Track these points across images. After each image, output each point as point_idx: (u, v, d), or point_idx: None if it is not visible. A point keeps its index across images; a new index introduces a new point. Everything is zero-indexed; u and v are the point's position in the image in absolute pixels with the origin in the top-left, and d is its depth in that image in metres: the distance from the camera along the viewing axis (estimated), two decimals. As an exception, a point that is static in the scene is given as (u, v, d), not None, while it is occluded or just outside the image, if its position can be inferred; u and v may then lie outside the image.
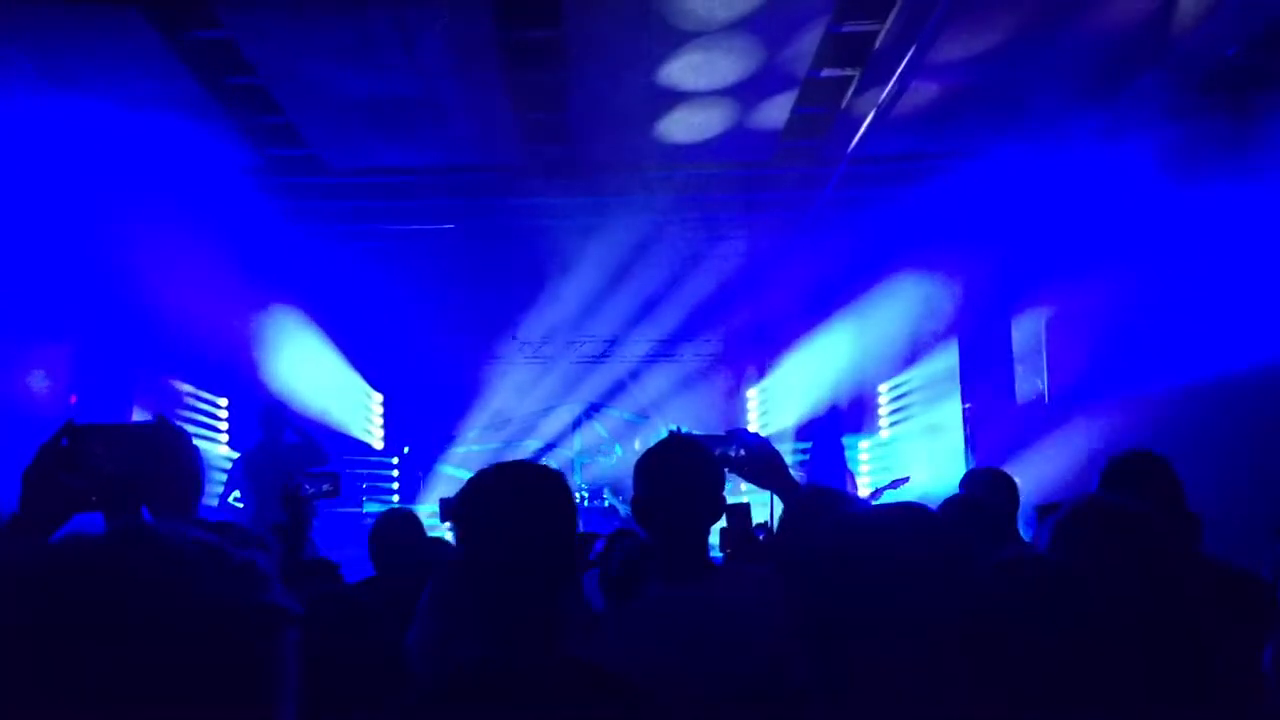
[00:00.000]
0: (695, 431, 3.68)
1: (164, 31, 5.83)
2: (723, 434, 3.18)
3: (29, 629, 0.79)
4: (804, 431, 10.75)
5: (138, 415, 7.96)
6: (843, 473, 9.59)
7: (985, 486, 4.70)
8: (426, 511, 5.93)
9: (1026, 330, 8.66)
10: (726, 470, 3.04)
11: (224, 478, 9.04)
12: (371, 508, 10.52)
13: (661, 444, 2.96)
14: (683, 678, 2.21)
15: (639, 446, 10.08)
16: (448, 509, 5.80)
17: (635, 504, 2.83)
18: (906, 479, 8.46)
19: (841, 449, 10.32)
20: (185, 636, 0.82)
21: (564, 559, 1.99)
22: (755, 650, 2.07)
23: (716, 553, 3.41)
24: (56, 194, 6.47)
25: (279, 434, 7.98)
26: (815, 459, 9.89)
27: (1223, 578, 2.74)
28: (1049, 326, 8.34)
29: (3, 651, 0.78)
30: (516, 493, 1.99)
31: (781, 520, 2.91)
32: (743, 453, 3.08)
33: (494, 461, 2.17)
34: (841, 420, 10.90)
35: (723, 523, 3.17)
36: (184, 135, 6.86)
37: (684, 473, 2.75)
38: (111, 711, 0.79)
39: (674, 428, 8.96)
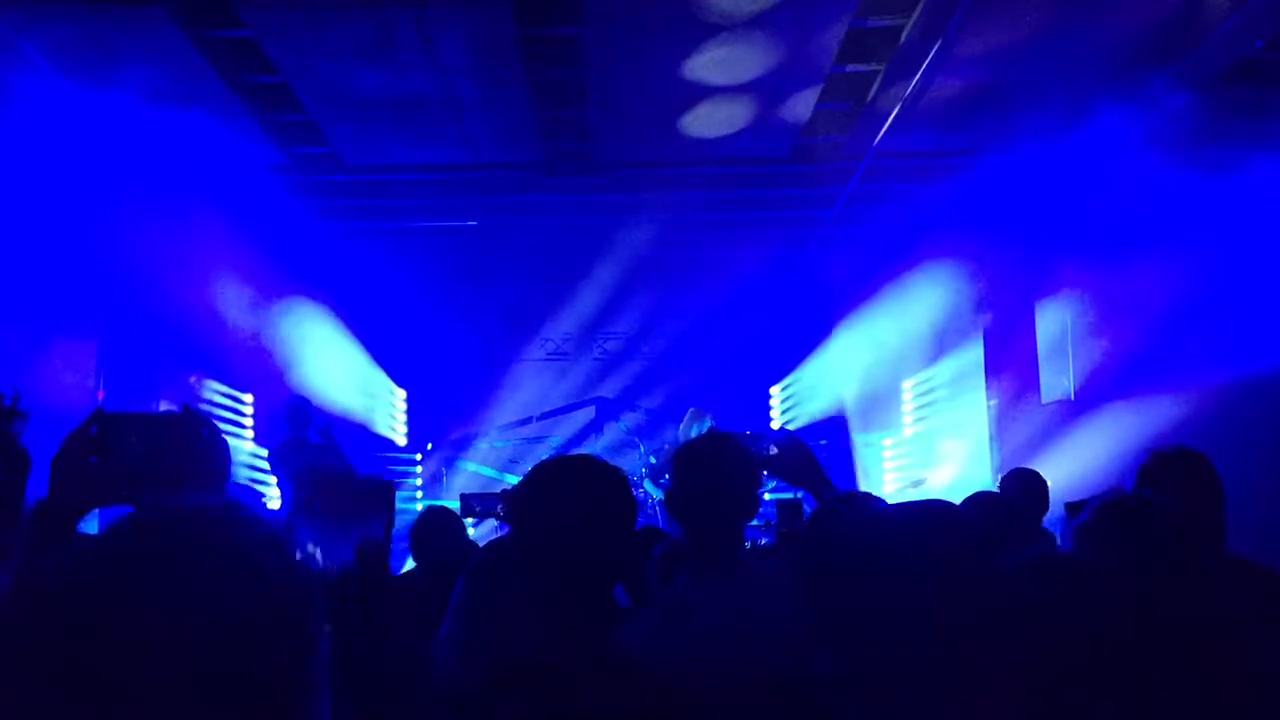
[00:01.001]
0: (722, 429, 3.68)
1: (187, 30, 5.87)
2: (753, 433, 3.18)
3: (101, 610, 0.81)
4: (813, 431, 10.72)
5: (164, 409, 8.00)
6: (851, 474, 9.56)
7: (1019, 485, 4.70)
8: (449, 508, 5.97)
9: (1052, 326, 8.59)
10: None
11: (249, 473, 9.10)
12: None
13: (701, 439, 2.95)
14: (710, 670, 2.20)
15: (665, 443, 10.06)
16: (469, 507, 5.82)
17: (670, 497, 2.83)
18: (923, 480, 8.39)
19: (850, 450, 10.29)
20: (251, 611, 0.83)
21: (622, 554, 1.99)
22: (780, 644, 2.06)
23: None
24: (81, 191, 6.51)
25: (305, 430, 8.02)
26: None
27: (1257, 578, 2.70)
28: (1074, 323, 8.27)
29: (81, 628, 0.80)
30: (581, 486, 1.99)
31: (810, 517, 2.90)
32: (775, 451, 3.08)
33: (551, 456, 2.18)
34: (848, 422, 10.84)
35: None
36: (207, 133, 6.90)
37: (722, 469, 2.75)
38: (169, 688, 0.80)
39: (709, 422, 8.95)
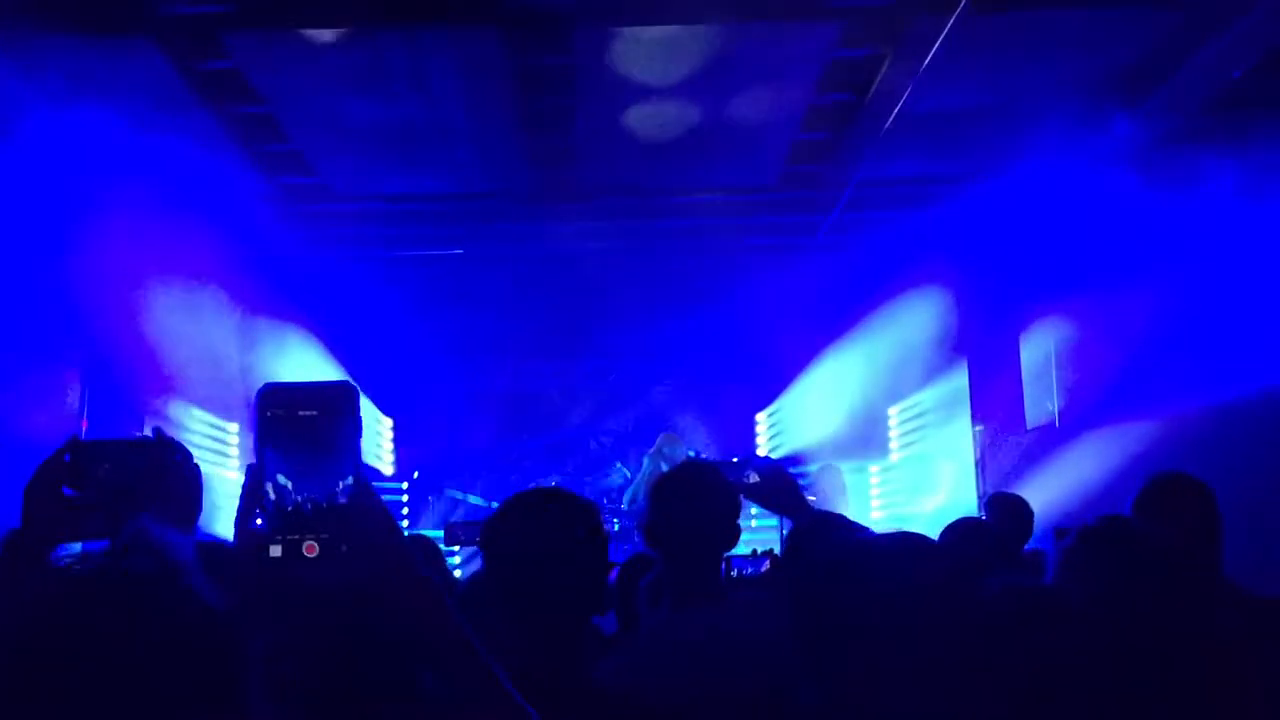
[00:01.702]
0: (706, 457, 3.69)
1: (175, 61, 5.89)
2: (735, 460, 3.19)
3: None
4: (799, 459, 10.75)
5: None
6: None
7: (1004, 510, 4.71)
8: (433, 536, 5.96)
9: (1036, 351, 8.63)
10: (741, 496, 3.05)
11: (234, 503, 9.03)
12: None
13: (677, 469, 2.96)
14: (688, 700, 2.20)
15: (647, 470, 10.05)
16: (453, 535, 5.81)
17: (648, 528, 2.84)
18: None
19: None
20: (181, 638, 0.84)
21: (593, 586, 1.99)
22: (761, 676, 2.07)
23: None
24: (65, 219, 6.49)
25: None
26: None
27: (1248, 605, 2.70)
28: (1058, 348, 8.31)
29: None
30: (551, 518, 2.00)
31: (787, 542, 2.90)
32: (756, 478, 3.09)
33: (521, 488, 2.18)
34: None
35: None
36: (195, 162, 6.90)
37: (699, 498, 2.76)
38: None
39: (692, 452, 8.94)
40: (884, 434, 10.88)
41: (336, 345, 10.29)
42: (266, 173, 7.60)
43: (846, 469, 10.77)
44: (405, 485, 11.31)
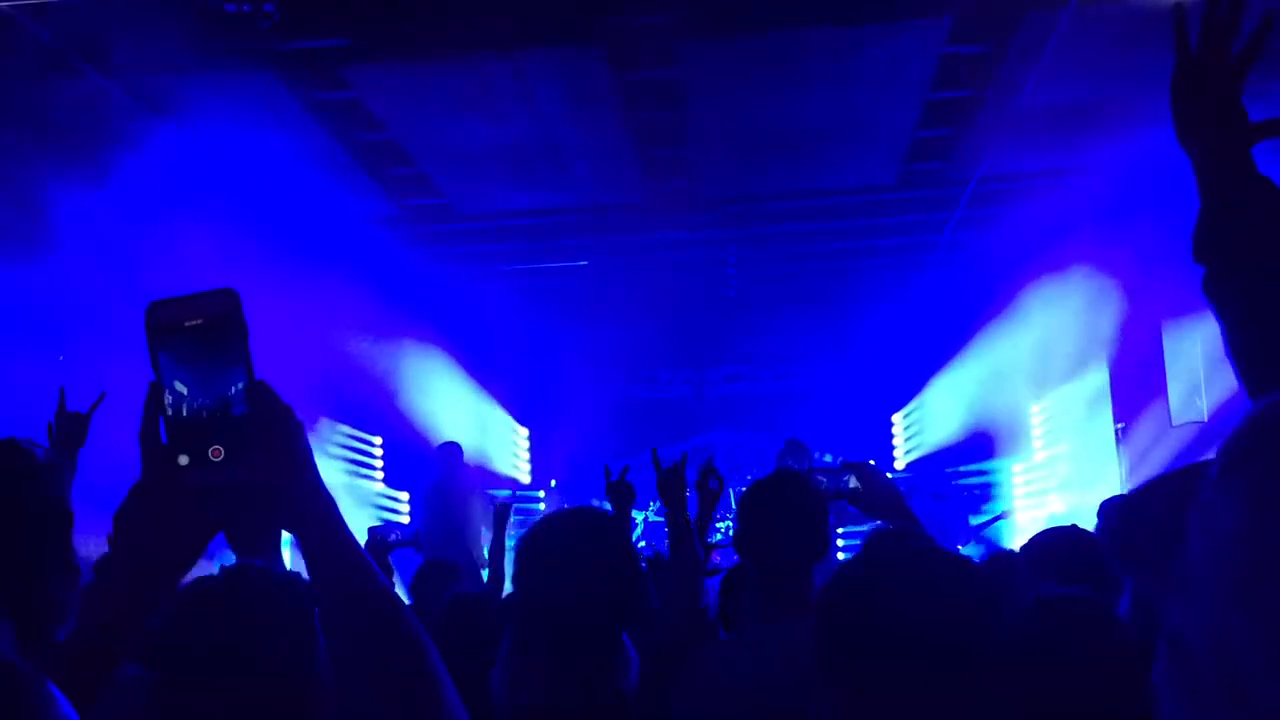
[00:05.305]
0: (835, 460, 3.68)
1: (299, 95, 6.16)
2: (838, 466, 3.17)
3: None
4: (939, 459, 10.54)
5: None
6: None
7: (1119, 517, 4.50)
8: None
9: (1182, 344, 8.22)
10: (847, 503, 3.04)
11: (377, 513, 9.42)
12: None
13: (763, 480, 2.95)
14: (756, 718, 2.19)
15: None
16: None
17: (735, 539, 2.85)
18: (1005, 514, 8.08)
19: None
20: None
21: (620, 603, 2.02)
22: (800, 699, 2.05)
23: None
24: (204, 247, 6.85)
25: (454, 475, 8.26)
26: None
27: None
28: (1207, 341, 7.90)
29: None
30: (562, 539, 2.05)
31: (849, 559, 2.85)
32: (857, 485, 3.05)
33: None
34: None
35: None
36: (324, 189, 7.21)
37: (781, 510, 2.75)
38: None
39: (829, 457, 8.85)
40: (1026, 431, 10.56)
41: (470, 359, 10.57)
42: (393, 196, 7.87)
43: (988, 466, 10.53)
44: (542, 494, 11.51)
